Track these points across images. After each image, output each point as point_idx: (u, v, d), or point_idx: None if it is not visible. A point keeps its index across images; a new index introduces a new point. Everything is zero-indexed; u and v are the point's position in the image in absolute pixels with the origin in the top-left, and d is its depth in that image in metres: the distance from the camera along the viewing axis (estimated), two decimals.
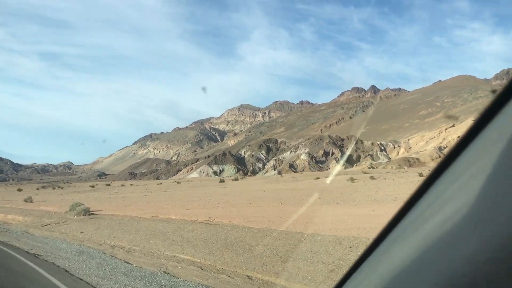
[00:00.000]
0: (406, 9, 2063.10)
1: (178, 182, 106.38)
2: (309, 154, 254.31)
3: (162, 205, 34.52)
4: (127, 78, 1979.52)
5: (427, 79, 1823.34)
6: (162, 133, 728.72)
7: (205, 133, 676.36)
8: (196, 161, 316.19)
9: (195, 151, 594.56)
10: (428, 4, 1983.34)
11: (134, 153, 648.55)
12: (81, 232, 20.90)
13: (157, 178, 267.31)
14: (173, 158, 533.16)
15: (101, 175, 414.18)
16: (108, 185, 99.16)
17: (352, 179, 70.11)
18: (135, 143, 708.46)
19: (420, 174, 73.27)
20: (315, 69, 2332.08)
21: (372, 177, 74.65)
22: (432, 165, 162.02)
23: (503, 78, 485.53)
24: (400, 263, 0.89)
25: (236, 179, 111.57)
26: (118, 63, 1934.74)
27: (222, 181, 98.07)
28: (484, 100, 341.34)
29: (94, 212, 29.13)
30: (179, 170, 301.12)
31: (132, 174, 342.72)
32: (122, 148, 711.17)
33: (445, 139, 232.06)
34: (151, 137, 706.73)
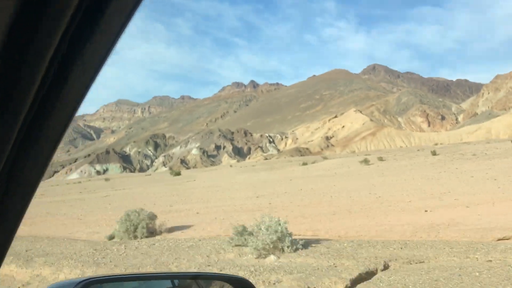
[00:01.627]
0: (279, 7, 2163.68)
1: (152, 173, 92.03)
2: (200, 148, 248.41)
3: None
4: None
5: (300, 75, 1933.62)
6: None
7: (78, 131, 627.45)
8: (75, 161, 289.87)
9: (68, 151, 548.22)
10: (299, 3, 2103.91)
11: None
12: None
13: None
14: None
15: None
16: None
17: (366, 161, 61.20)
18: None
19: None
20: (193, 65, 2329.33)
21: (381, 158, 66.05)
22: (328, 153, 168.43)
23: (370, 73, 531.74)
24: None
25: (190, 167, 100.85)
26: None
27: (178, 174, 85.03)
28: (360, 93, 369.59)
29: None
30: (56, 172, 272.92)
31: None
32: None
33: (330, 129, 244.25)
34: None
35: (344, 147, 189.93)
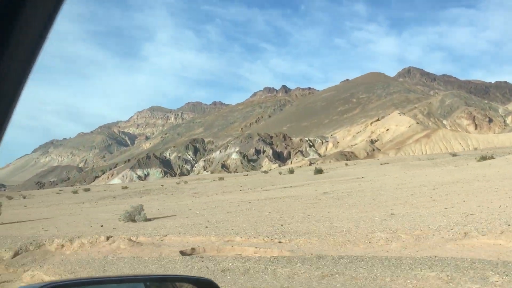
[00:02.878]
0: (307, 11, 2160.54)
1: (267, 171, 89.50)
2: (240, 153, 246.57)
3: None
4: None
5: (330, 79, 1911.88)
6: (65, 139, 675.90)
7: (113, 138, 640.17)
8: (115, 166, 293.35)
9: (104, 156, 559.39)
10: (328, 7, 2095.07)
11: (35, 161, 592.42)
12: None
13: (72, 186, 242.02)
14: (80, 165, 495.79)
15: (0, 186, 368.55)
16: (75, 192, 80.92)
17: None
18: (35, 151, 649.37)
19: None
20: (223, 71, 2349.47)
21: None
22: (381, 157, 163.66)
23: (405, 76, 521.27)
24: None
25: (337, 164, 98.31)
26: None
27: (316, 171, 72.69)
28: (399, 95, 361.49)
29: None
30: (97, 177, 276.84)
31: (39, 184, 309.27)
32: (21, 157, 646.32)
33: (373, 132, 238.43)
34: (53, 143, 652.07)
35: (398, 150, 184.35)
